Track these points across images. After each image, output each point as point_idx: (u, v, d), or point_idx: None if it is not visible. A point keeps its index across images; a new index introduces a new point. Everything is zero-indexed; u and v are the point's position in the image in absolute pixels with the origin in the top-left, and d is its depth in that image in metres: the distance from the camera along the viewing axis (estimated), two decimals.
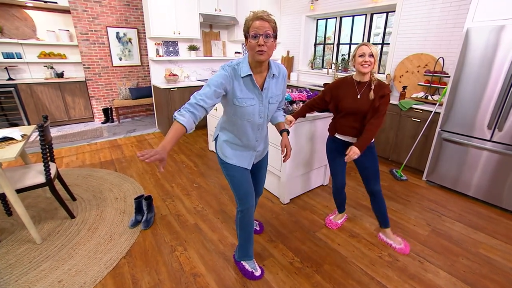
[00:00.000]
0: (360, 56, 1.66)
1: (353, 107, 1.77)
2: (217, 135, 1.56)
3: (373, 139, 1.86)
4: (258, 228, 2.13)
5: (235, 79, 1.29)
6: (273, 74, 1.37)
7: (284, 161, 1.64)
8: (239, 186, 1.54)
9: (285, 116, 1.80)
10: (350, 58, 1.81)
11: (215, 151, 1.61)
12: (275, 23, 1.26)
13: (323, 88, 2.08)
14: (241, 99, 1.32)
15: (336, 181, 2.09)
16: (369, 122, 1.74)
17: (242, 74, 1.28)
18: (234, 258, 1.82)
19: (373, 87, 1.71)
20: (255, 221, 2.02)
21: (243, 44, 5.51)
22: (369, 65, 1.66)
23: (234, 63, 1.31)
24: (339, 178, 2.07)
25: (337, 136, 1.95)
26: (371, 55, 1.64)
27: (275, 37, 1.25)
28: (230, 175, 1.54)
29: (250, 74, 1.29)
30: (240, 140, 1.48)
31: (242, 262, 1.76)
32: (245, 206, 1.57)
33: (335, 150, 1.98)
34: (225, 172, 1.56)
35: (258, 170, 1.71)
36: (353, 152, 1.68)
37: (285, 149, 1.62)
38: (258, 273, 1.71)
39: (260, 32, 1.20)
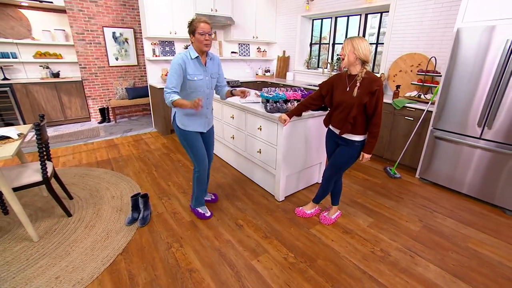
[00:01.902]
0: None
1: (341, 99, 1.84)
2: (175, 113, 2.00)
3: (362, 138, 1.92)
4: (213, 197, 2.53)
5: (186, 61, 1.83)
6: (210, 57, 1.98)
7: (245, 97, 2.13)
8: (198, 150, 2.05)
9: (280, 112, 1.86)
10: None
11: (174, 128, 2.05)
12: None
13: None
14: (192, 75, 1.87)
15: None
16: (370, 124, 1.82)
17: (192, 56, 1.85)
18: (191, 207, 2.35)
19: (358, 84, 1.75)
20: (211, 194, 2.54)
21: (239, 44, 5.54)
22: (343, 59, 1.78)
23: (183, 52, 1.87)
24: None
25: (330, 127, 2.07)
26: (342, 48, 1.78)
27: (211, 34, 1.85)
28: (190, 143, 2.02)
29: (198, 56, 1.87)
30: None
31: (197, 208, 2.30)
32: (201, 167, 2.11)
33: (329, 140, 2.12)
34: (185, 142, 2.03)
35: (208, 137, 2.20)
36: (365, 158, 1.91)
37: (243, 92, 2.10)
38: (208, 214, 2.29)
39: (206, 31, 1.79)
